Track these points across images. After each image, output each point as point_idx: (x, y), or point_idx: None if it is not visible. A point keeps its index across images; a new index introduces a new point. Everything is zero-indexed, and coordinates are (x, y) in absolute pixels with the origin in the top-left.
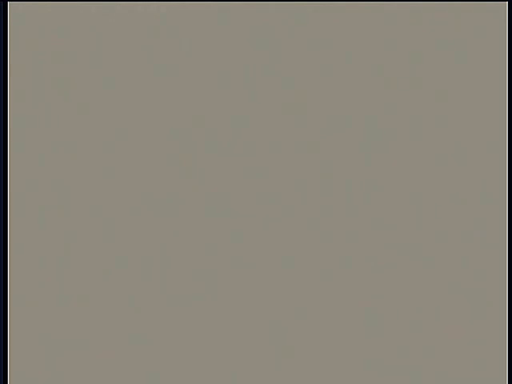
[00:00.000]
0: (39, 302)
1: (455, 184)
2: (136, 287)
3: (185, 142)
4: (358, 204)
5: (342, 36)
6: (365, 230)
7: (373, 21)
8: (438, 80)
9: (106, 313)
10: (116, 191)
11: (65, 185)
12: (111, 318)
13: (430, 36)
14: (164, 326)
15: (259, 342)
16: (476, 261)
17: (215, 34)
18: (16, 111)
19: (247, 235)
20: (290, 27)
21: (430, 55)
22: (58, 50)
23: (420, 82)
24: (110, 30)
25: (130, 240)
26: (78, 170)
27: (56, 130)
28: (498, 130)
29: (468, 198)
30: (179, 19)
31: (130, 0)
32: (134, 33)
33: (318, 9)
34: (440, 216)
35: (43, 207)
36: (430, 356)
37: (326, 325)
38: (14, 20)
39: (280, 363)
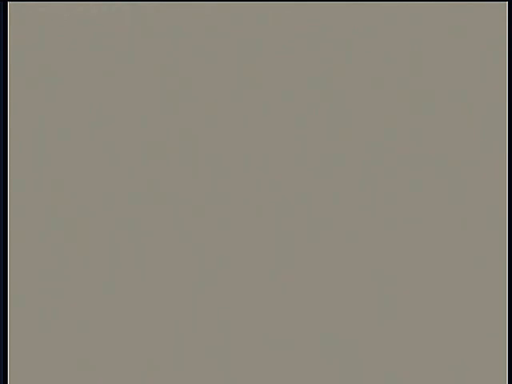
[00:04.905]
0: (39, 303)
1: (455, 184)
2: (135, 287)
3: (184, 142)
4: (358, 206)
5: (342, 36)
6: (365, 230)
7: (373, 21)
8: (438, 80)
9: (105, 313)
10: (115, 191)
11: (64, 184)
12: (110, 318)
13: (430, 36)
14: (162, 326)
15: (258, 341)
16: (476, 262)
17: (215, 33)
18: (16, 110)
19: (246, 235)
20: (291, 27)
21: (430, 55)
22: (57, 50)
23: (420, 81)
24: (110, 29)
25: (130, 240)
26: (77, 169)
27: (55, 128)
28: (498, 129)
29: (468, 198)
30: (179, 19)
31: (131, 0)
32: (134, 33)
33: (318, 9)
34: (440, 216)
35: (42, 207)
36: (430, 356)
37: (324, 325)
38: (14, 20)
39: (279, 363)
